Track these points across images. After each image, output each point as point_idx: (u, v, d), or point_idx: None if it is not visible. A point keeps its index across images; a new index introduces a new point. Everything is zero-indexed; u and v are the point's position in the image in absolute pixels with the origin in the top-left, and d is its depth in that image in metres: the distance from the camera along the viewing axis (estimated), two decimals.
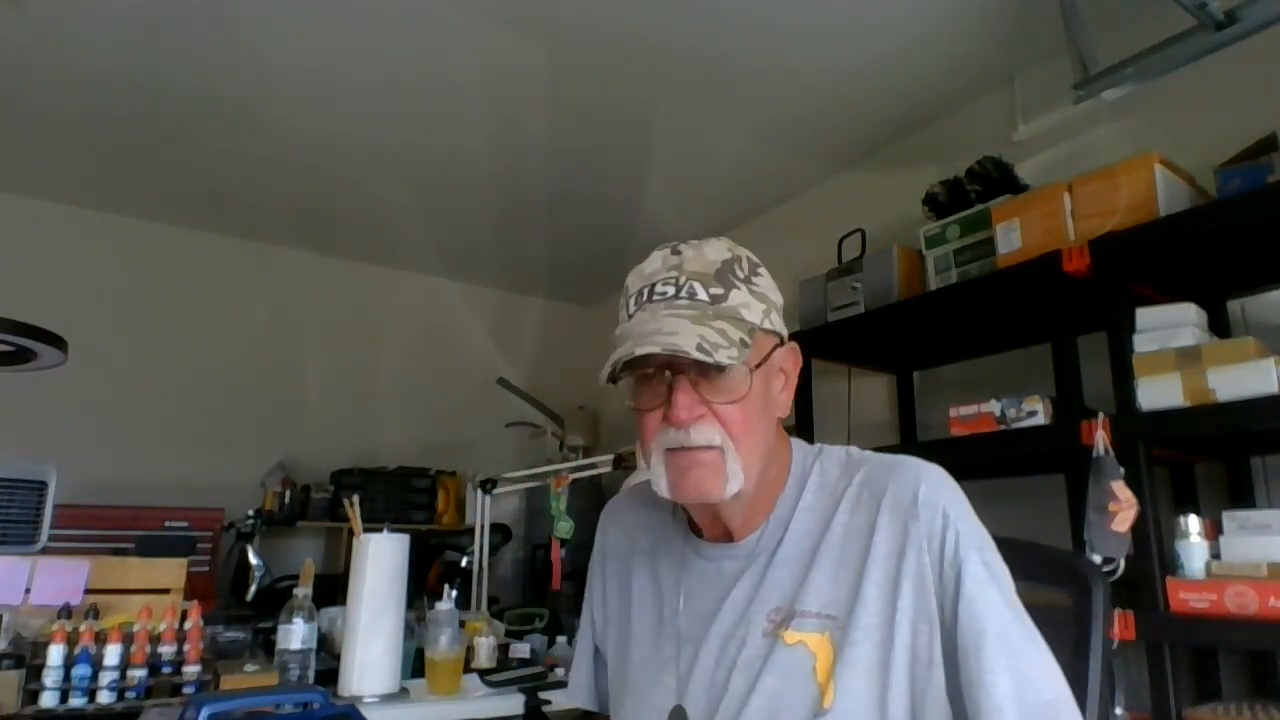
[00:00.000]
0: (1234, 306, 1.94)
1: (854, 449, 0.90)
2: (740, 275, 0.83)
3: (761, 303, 0.83)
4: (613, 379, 0.81)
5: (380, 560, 1.67)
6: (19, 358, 2.10)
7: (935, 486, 0.80)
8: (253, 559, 2.32)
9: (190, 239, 3.90)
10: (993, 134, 2.56)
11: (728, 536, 0.87)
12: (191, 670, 1.55)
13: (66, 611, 1.56)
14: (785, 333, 0.87)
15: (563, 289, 4.82)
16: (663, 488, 0.81)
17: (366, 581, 1.65)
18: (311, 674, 1.63)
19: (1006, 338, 2.38)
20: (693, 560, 0.90)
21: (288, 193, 3.55)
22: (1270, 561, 1.45)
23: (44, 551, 1.87)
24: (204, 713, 0.84)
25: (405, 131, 3.00)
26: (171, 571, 1.88)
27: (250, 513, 2.47)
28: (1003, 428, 1.89)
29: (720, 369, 0.77)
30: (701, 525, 0.89)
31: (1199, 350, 1.59)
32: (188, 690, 1.51)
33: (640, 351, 0.74)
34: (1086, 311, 1.81)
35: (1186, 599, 1.52)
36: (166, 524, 3.14)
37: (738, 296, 0.81)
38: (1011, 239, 2.00)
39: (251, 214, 3.77)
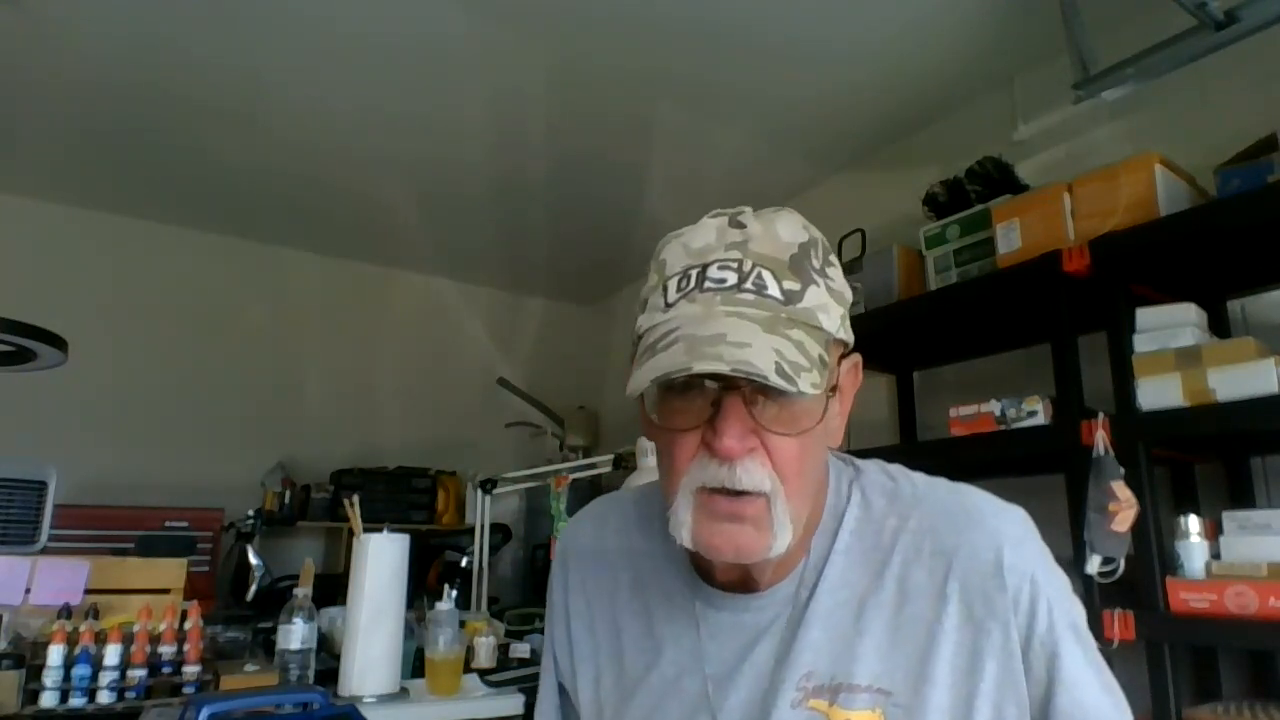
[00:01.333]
0: (1234, 306, 1.94)
1: (896, 469, 0.74)
2: (817, 264, 0.64)
3: (839, 304, 0.65)
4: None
5: (380, 560, 1.67)
6: (19, 358, 2.10)
7: (1019, 546, 0.67)
8: (253, 559, 2.32)
9: (190, 239, 3.90)
10: (993, 134, 2.56)
11: (745, 584, 0.70)
12: (191, 670, 1.55)
13: (66, 611, 1.56)
14: (852, 339, 0.69)
15: (563, 289, 4.82)
16: (684, 536, 0.63)
17: (366, 581, 1.65)
18: (311, 674, 1.64)
19: (1006, 338, 2.38)
20: (704, 612, 0.72)
21: (288, 193, 3.55)
22: (1270, 561, 1.45)
23: (44, 551, 1.87)
24: (204, 713, 0.84)
25: (406, 132, 3.00)
26: (171, 571, 1.88)
27: (250, 513, 2.48)
28: (1003, 428, 1.88)
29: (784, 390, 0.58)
30: (714, 571, 0.71)
31: (1199, 350, 1.59)
32: (188, 690, 1.51)
33: (701, 369, 0.56)
34: (1086, 311, 1.81)
35: (1186, 599, 1.52)
36: (166, 524, 3.14)
37: (815, 295, 0.62)
38: (1011, 239, 2.00)
39: (251, 214, 3.77)
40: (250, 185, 3.48)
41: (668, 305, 0.64)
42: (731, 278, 0.62)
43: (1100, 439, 1.63)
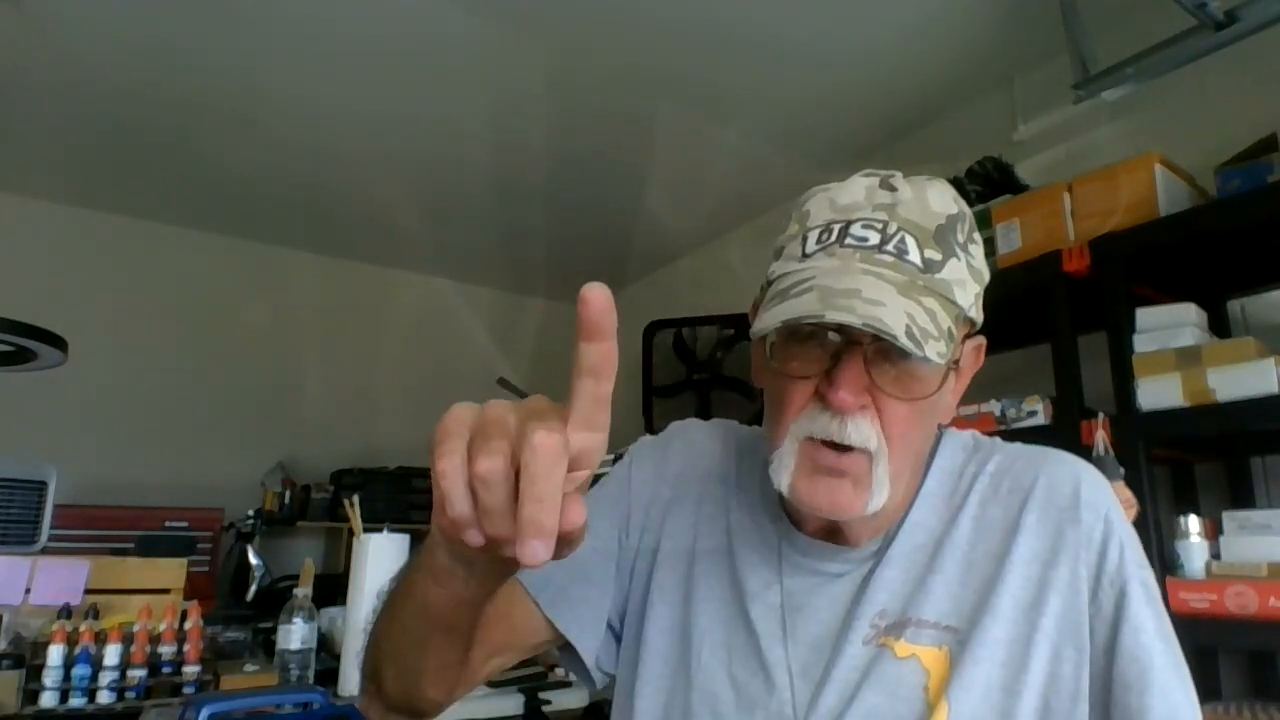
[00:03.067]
0: (1234, 306, 1.94)
1: (979, 433, 0.76)
2: (961, 239, 0.64)
3: (977, 282, 0.66)
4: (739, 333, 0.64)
5: (380, 560, 1.67)
6: (19, 358, 2.10)
7: (1098, 487, 0.67)
8: (253, 559, 2.32)
9: (190, 239, 3.90)
10: (993, 134, 2.56)
11: (834, 538, 0.71)
12: (191, 670, 1.55)
13: (66, 611, 1.56)
14: (981, 320, 0.69)
15: (563, 289, 4.82)
16: (783, 482, 0.64)
17: (366, 581, 1.65)
18: (311, 674, 1.63)
19: (1006, 338, 2.38)
20: (794, 557, 0.72)
21: (288, 193, 3.55)
22: (1270, 561, 1.45)
23: (44, 551, 1.87)
24: (204, 713, 0.84)
25: (406, 132, 3.00)
26: (171, 571, 1.88)
27: (250, 513, 2.47)
28: (1003, 428, 1.88)
29: (905, 353, 0.58)
30: (804, 520, 0.72)
31: (1199, 350, 1.59)
32: (188, 690, 1.51)
33: (833, 318, 0.56)
34: (1086, 311, 1.81)
35: (1186, 599, 1.52)
36: (166, 524, 3.15)
37: (955, 269, 0.63)
38: (1011, 239, 2.00)
39: (251, 214, 3.77)
40: (250, 185, 3.48)
41: (805, 255, 0.64)
42: (874, 238, 0.62)
43: (1100, 439, 1.63)
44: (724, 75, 2.61)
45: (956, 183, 2.35)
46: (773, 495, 0.74)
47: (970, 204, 2.29)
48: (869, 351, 0.60)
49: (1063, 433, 1.76)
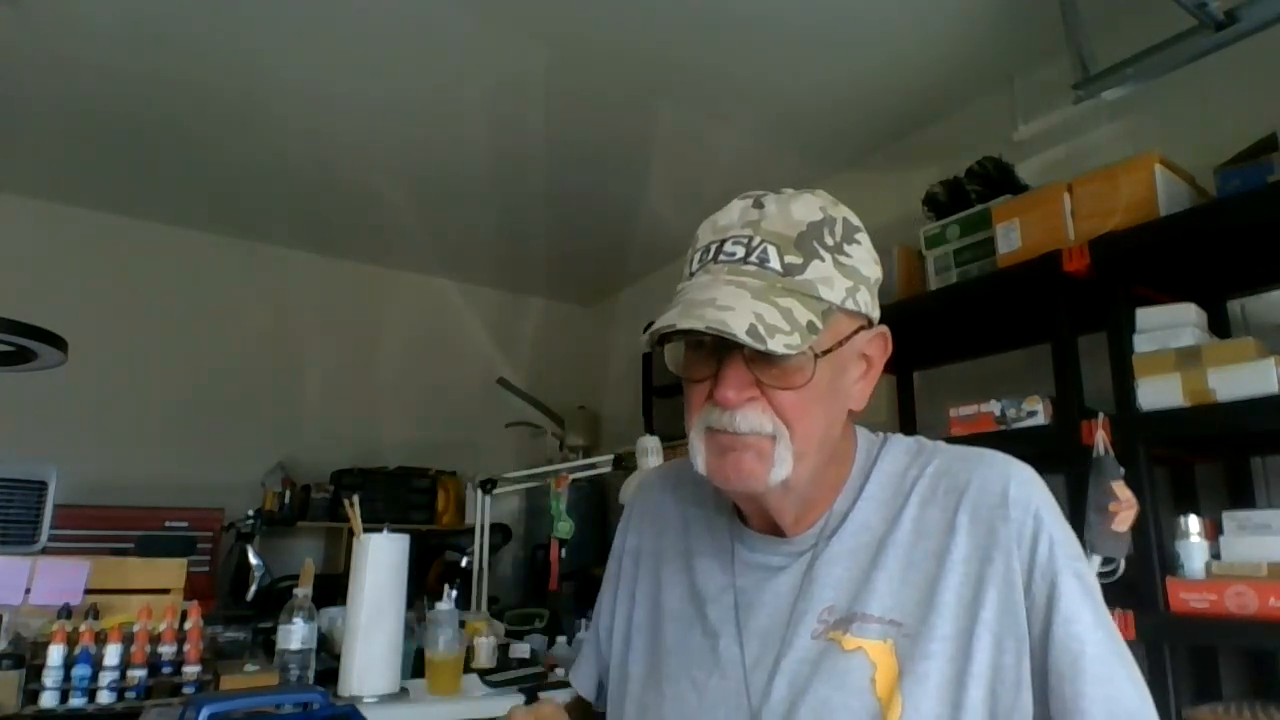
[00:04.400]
0: (1234, 306, 1.94)
1: (924, 438, 0.82)
2: (829, 243, 0.71)
3: (848, 278, 0.71)
4: (660, 342, 0.71)
5: (380, 560, 1.67)
6: (19, 358, 2.10)
7: (1026, 484, 0.72)
8: (253, 559, 2.32)
9: (190, 239, 3.90)
10: (993, 134, 2.56)
11: (778, 531, 0.78)
12: (191, 670, 1.55)
13: (66, 611, 1.56)
14: (875, 314, 0.75)
15: (563, 289, 4.83)
16: (699, 464, 0.72)
17: (366, 581, 1.65)
18: (311, 674, 1.63)
19: (1006, 338, 2.38)
20: (742, 554, 0.80)
21: (288, 193, 3.55)
22: (1270, 561, 1.45)
23: (44, 551, 1.87)
24: (204, 713, 0.84)
25: (406, 132, 3.00)
26: (171, 571, 1.88)
27: (250, 513, 2.48)
28: (1003, 428, 1.88)
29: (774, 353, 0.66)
30: (748, 515, 0.80)
31: (1199, 350, 1.59)
32: (188, 690, 1.51)
33: (683, 325, 0.65)
34: (1086, 311, 1.81)
35: (1186, 599, 1.52)
36: (166, 524, 3.15)
37: (819, 269, 0.70)
38: (1011, 239, 2.00)
39: (251, 214, 3.77)
40: (250, 185, 3.48)
41: (690, 275, 0.74)
42: (740, 251, 0.70)
43: (1100, 439, 1.63)
44: (725, 75, 2.61)
45: (956, 183, 2.35)
46: (727, 505, 0.83)
47: (970, 204, 2.32)
48: (748, 353, 0.68)
49: (1063, 433, 1.76)
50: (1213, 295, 1.88)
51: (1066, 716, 0.65)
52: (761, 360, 0.68)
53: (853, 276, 0.72)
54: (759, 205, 0.73)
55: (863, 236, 0.75)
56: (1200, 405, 1.56)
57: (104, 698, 1.44)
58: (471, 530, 2.60)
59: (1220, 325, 1.86)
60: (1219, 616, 1.47)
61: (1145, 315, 1.69)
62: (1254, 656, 1.81)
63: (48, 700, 1.40)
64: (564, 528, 2.37)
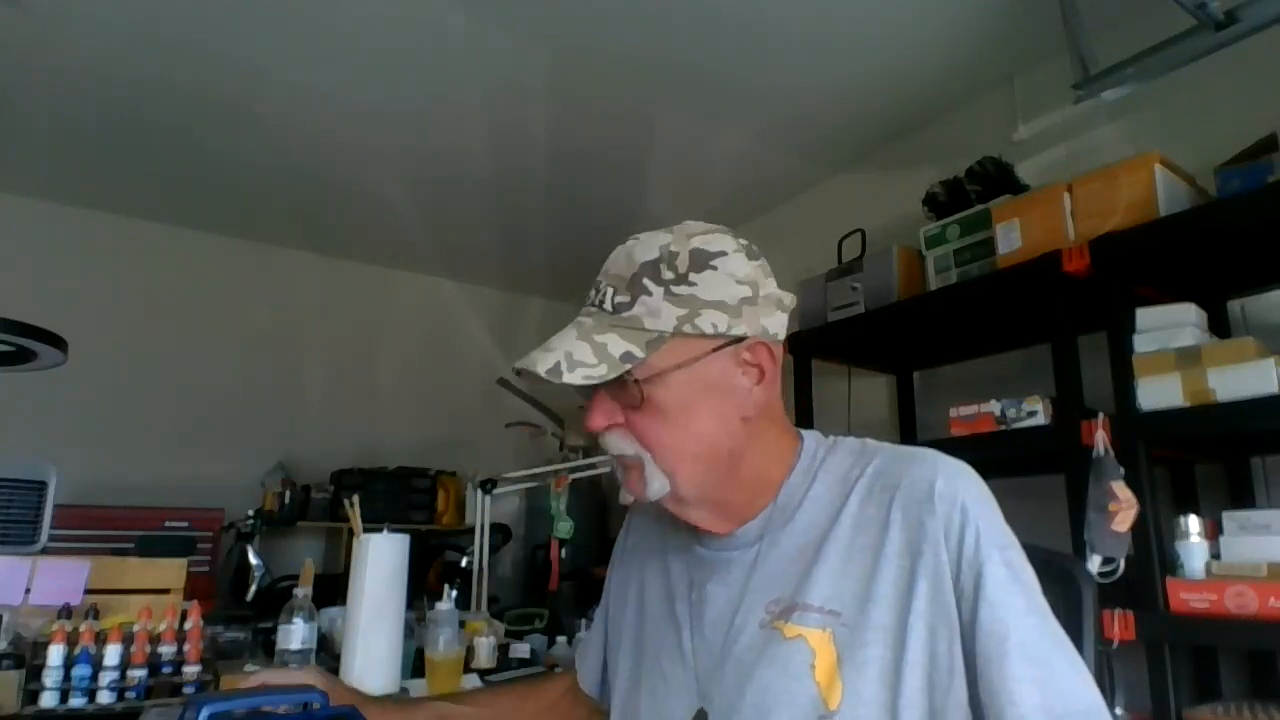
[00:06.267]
0: (1234, 306, 1.94)
1: (870, 440, 0.86)
2: (668, 276, 0.76)
3: (682, 306, 0.75)
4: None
5: (380, 560, 1.67)
6: (19, 358, 2.10)
7: (953, 479, 0.75)
8: (253, 559, 2.32)
9: (190, 239, 3.90)
10: (993, 134, 2.56)
11: (712, 530, 0.85)
12: (191, 670, 1.54)
13: (66, 611, 1.56)
14: (743, 330, 0.78)
15: (563, 289, 4.82)
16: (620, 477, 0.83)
17: (366, 581, 1.65)
18: None
19: (1006, 338, 2.38)
20: (698, 551, 0.87)
21: (288, 193, 3.55)
22: (1270, 561, 1.45)
23: (44, 551, 1.86)
24: (204, 713, 0.84)
25: (406, 132, 3.00)
26: (171, 571, 1.87)
27: (250, 513, 2.47)
28: (1003, 428, 1.88)
29: (621, 381, 0.75)
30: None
31: (1199, 350, 1.59)
32: (188, 690, 1.50)
33: (517, 366, 0.76)
34: (1086, 311, 1.81)
35: (1186, 599, 1.52)
36: (166, 524, 3.14)
37: (647, 304, 0.76)
38: (1011, 239, 2.00)
39: (251, 214, 3.77)
40: (250, 185, 3.48)
41: None
42: (594, 295, 0.80)
43: (1100, 439, 1.63)
44: (724, 75, 2.61)
45: (956, 183, 2.35)
46: None
47: (970, 204, 2.32)
48: (611, 386, 0.76)
49: (1063, 433, 1.76)
50: (1213, 295, 1.88)
51: (996, 698, 0.67)
52: (619, 391, 0.77)
53: (690, 304, 0.76)
54: (619, 248, 0.81)
55: (721, 261, 0.78)
56: (1200, 405, 1.56)
57: (104, 698, 1.43)
58: (471, 530, 2.60)
59: (1220, 325, 1.86)
60: (1219, 616, 1.47)
61: (1145, 315, 1.69)
62: (1254, 656, 1.81)
63: (48, 700, 1.40)
64: (564, 528, 2.37)
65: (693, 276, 0.77)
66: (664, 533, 0.94)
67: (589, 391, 0.79)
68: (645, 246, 0.79)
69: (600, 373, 0.73)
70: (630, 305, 0.76)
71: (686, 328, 0.76)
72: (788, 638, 0.74)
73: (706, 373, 0.77)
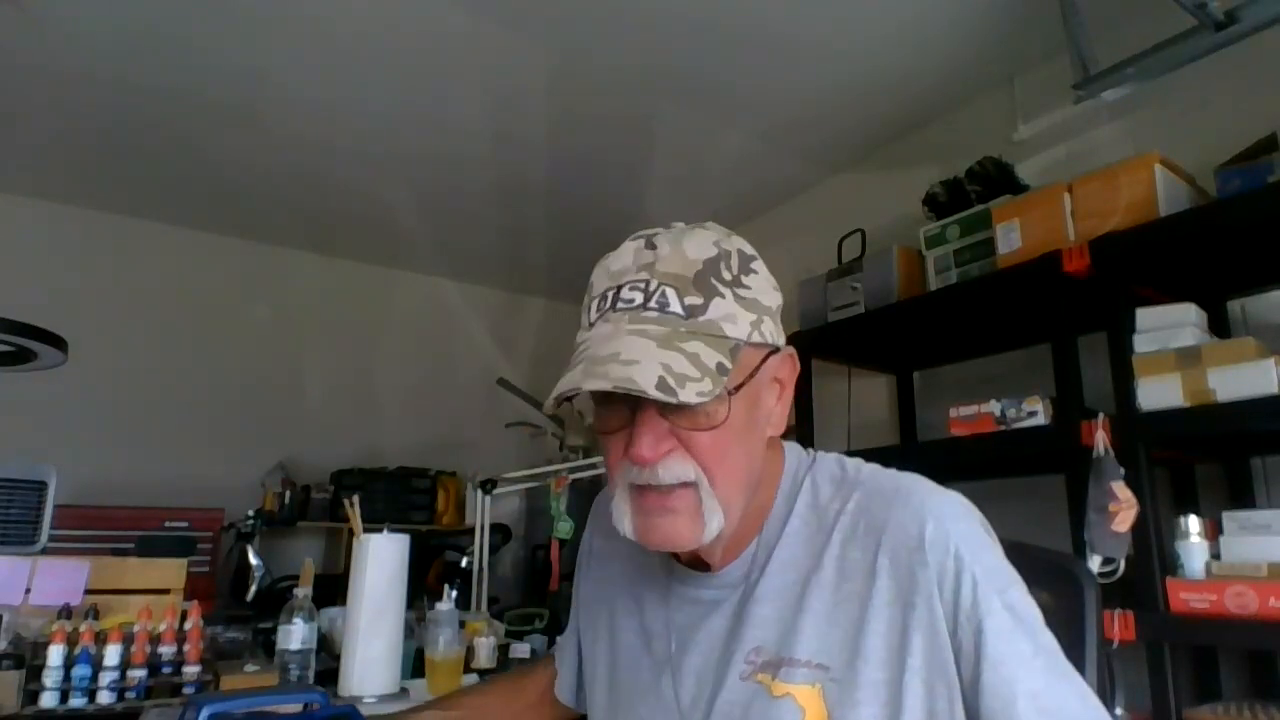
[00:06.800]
0: (1234, 306, 1.94)
1: (850, 461, 0.79)
2: (727, 277, 0.70)
3: (751, 311, 0.70)
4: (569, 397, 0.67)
5: (380, 560, 1.67)
6: (19, 358, 2.10)
7: (943, 522, 0.69)
8: (253, 559, 2.32)
9: (190, 239, 3.90)
10: (993, 134, 2.56)
11: (701, 565, 0.78)
12: (191, 670, 1.54)
13: (66, 612, 1.56)
14: (780, 340, 0.74)
15: (563, 289, 4.82)
16: (626, 528, 0.70)
17: (366, 582, 1.65)
18: (311, 674, 1.63)
19: (1006, 338, 2.38)
20: (676, 589, 0.81)
21: (289, 193, 3.55)
22: (1270, 561, 1.45)
23: (44, 552, 1.86)
24: (204, 713, 0.84)
25: (406, 133, 3.00)
26: (171, 572, 1.87)
27: (250, 513, 2.47)
28: (1003, 428, 1.88)
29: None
30: (680, 554, 0.81)
31: (1199, 350, 1.59)
32: (188, 690, 1.50)
33: (589, 387, 0.63)
34: (1086, 311, 1.81)
35: (1186, 599, 1.52)
36: (166, 524, 3.14)
37: (721, 307, 0.68)
38: (1012, 239, 2.00)
39: (252, 214, 3.77)
40: (250, 185, 3.48)
41: (590, 325, 0.71)
42: (639, 298, 0.68)
43: (1100, 439, 1.63)
44: (724, 75, 2.60)
45: (956, 183, 2.35)
46: None
47: (970, 204, 2.32)
48: (659, 402, 0.65)
49: (1063, 433, 1.76)
50: (1213, 295, 1.88)
51: None
52: (675, 406, 0.65)
53: (755, 309, 0.70)
54: (651, 246, 0.71)
55: (759, 265, 0.74)
56: (1200, 405, 1.56)
57: (104, 698, 1.43)
58: (471, 530, 2.60)
59: (1220, 325, 1.86)
60: (1219, 616, 1.47)
61: (1145, 315, 1.69)
62: (1254, 656, 1.81)
63: (48, 700, 1.40)
64: (564, 528, 2.37)
65: (745, 279, 0.71)
66: (631, 561, 0.86)
67: (631, 405, 0.68)
68: (696, 242, 0.71)
69: (707, 389, 0.63)
70: (704, 308, 0.68)
71: (755, 335, 0.70)
72: (775, 696, 0.69)
73: (758, 386, 0.72)
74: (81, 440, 3.28)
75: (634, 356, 0.64)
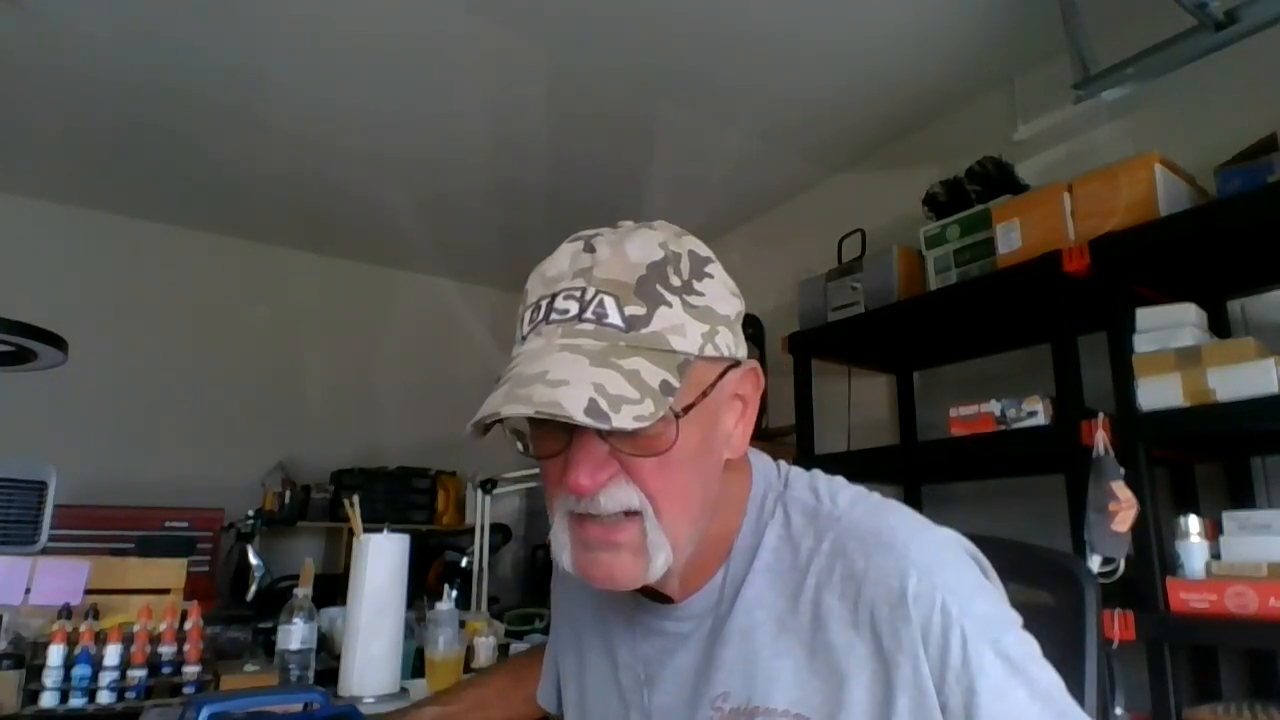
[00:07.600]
0: (1234, 306, 1.94)
1: (824, 485, 0.72)
2: (676, 283, 0.62)
3: (703, 321, 0.62)
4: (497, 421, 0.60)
5: (380, 560, 1.67)
6: (19, 358, 2.10)
7: (927, 574, 0.62)
8: (253, 559, 2.32)
9: (190, 239, 3.90)
10: (993, 134, 2.56)
11: (661, 597, 0.72)
12: (191, 670, 1.54)
13: (66, 611, 1.56)
14: (740, 352, 0.66)
15: None
16: (565, 561, 0.64)
17: (366, 581, 1.65)
18: (311, 674, 1.63)
19: (1006, 338, 2.38)
20: (641, 617, 0.75)
21: (288, 193, 3.55)
22: (1270, 561, 1.45)
23: (44, 551, 1.86)
24: (204, 713, 0.84)
25: (406, 132, 3.00)
26: (171, 571, 1.87)
27: (250, 513, 2.47)
28: (1003, 428, 1.88)
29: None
30: None
31: (1199, 350, 1.59)
32: (188, 690, 1.50)
33: (508, 412, 0.56)
34: (1086, 311, 1.81)
35: (1186, 599, 1.52)
36: (166, 524, 3.15)
37: (667, 317, 0.61)
38: (1012, 239, 2.00)
39: (251, 214, 3.77)
40: (250, 185, 3.48)
41: (522, 339, 0.64)
42: (574, 308, 0.61)
43: (1100, 439, 1.63)
44: (724, 75, 2.61)
45: (956, 183, 2.35)
46: None
47: (970, 204, 2.32)
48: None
49: (1063, 433, 1.76)
50: (1213, 295, 1.88)
51: None
52: (617, 429, 0.58)
53: (708, 319, 0.63)
54: (590, 249, 0.63)
55: (715, 268, 0.65)
56: (1200, 405, 1.56)
57: (104, 698, 1.43)
58: (471, 530, 2.60)
59: (1220, 325, 1.86)
60: (1219, 616, 1.47)
61: (1145, 315, 1.69)
62: (1254, 656, 1.81)
63: (48, 700, 1.40)
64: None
65: (697, 285, 0.63)
66: (600, 596, 0.80)
67: (568, 428, 0.60)
68: (640, 244, 0.63)
69: (647, 411, 0.56)
70: (648, 319, 0.60)
71: (708, 348, 0.62)
72: None
73: (714, 405, 0.64)
74: (81, 440, 3.28)
75: (563, 376, 0.57)
